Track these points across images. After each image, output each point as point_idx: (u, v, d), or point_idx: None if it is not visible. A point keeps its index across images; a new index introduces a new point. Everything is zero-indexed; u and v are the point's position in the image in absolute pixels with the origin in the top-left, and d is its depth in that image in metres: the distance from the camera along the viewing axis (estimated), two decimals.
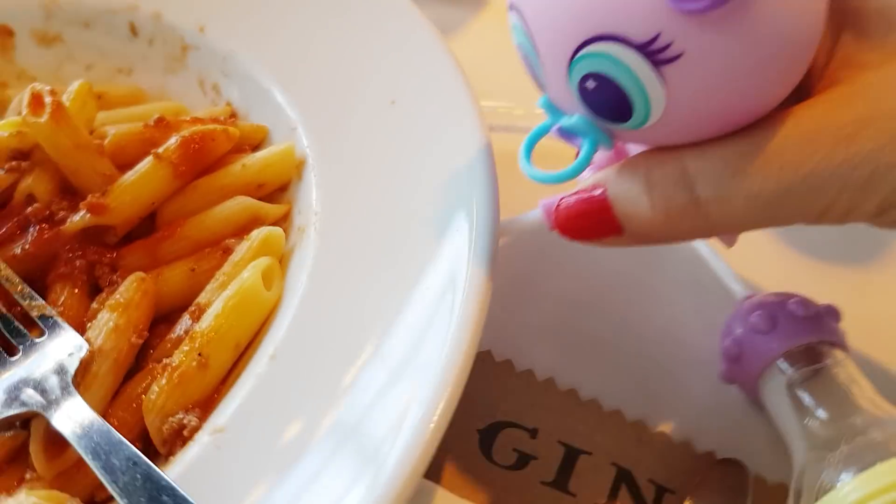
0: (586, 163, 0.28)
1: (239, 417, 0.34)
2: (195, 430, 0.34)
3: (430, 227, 0.38)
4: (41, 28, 0.54)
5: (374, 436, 0.31)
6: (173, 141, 0.44)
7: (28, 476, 0.35)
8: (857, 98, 0.25)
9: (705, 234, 0.29)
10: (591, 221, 0.29)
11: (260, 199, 0.44)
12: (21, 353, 0.37)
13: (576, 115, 0.28)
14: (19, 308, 0.39)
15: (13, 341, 0.37)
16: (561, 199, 0.30)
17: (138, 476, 0.30)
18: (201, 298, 0.40)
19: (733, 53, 0.24)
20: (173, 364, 0.36)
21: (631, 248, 0.31)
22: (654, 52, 0.24)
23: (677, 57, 0.24)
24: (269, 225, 0.43)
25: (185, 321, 0.39)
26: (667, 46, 0.23)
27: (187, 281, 0.41)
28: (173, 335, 0.39)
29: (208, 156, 0.44)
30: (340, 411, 0.32)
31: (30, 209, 0.42)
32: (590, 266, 0.47)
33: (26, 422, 0.36)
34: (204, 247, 0.42)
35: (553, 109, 0.30)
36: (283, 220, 0.44)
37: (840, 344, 0.36)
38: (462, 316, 0.33)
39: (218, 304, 0.38)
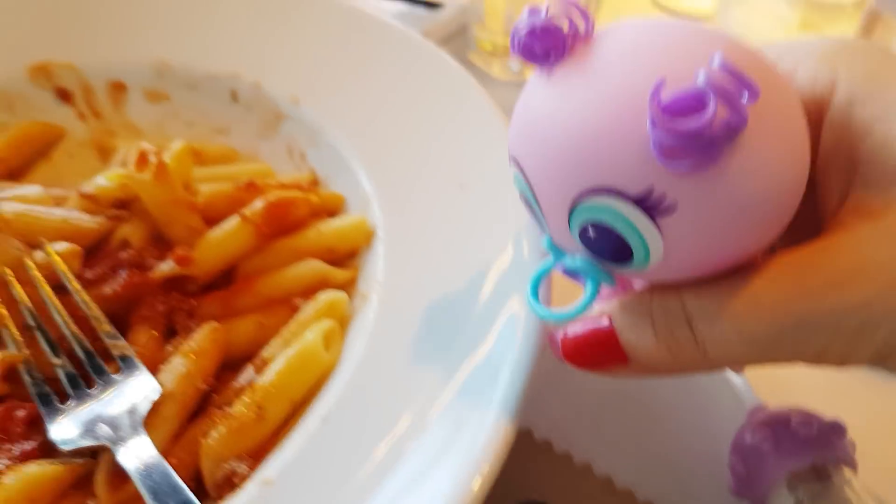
0: (590, 302, 0.29)
1: (287, 472, 0.36)
2: (245, 478, 0.37)
3: (484, 309, 0.40)
4: (152, 86, 0.59)
5: None
6: (259, 204, 0.47)
7: (89, 502, 0.38)
8: (852, 246, 0.25)
9: (706, 368, 0.29)
10: (597, 351, 0.30)
11: (330, 262, 0.47)
12: (99, 387, 0.40)
13: (578, 257, 0.29)
14: (101, 344, 0.43)
15: (94, 375, 0.41)
16: (567, 329, 0.31)
17: None
18: (265, 352, 0.43)
19: (725, 203, 0.25)
20: (233, 413, 0.39)
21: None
22: (649, 205, 0.25)
23: (671, 208, 0.25)
24: (336, 288, 0.46)
25: (248, 372, 0.42)
26: (661, 199, 0.24)
27: (255, 333, 0.44)
28: (236, 384, 0.42)
29: (289, 220, 0.48)
30: (383, 479, 0.34)
31: (123, 254, 0.46)
32: None
33: (95, 451, 0.39)
34: (274, 303, 0.46)
35: (556, 250, 0.31)
36: (349, 285, 0.47)
37: (847, 460, 0.36)
38: (505, 397, 0.35)
39: (280, 360, 0.41)
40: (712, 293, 0.27)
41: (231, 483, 0.37)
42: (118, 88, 0.59)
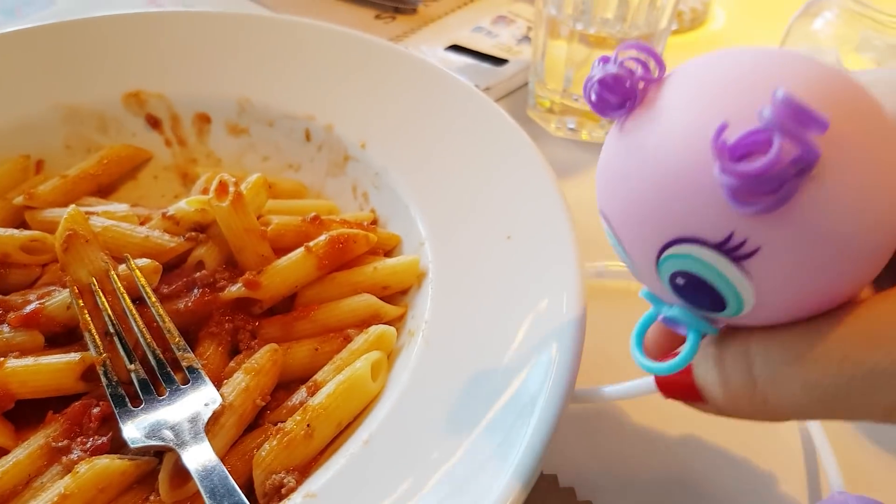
0: (693, 353, 0.29)
1: (330, 488, 0.39)
2: (291, 490, 0.40)
3: (520, 355, 0.43)
4: (234, 121, 0.64)
5: None
6: (323, 238, 0.52)
7: (152, 498, 0.42)
8: None
9: (766, 416, 0.28)
10: (680, 388, 0.31)
11: (382, 298, 0.51)
12: (168, 394, 0.44)
13: (675, 307, 0.29)
14: (171, 355, 0.47)
15: (164, 383, 0.45)
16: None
17: None
18: (318, 376, 0.47)
19: (810, 241, 0.24)
20: (285, 429, 0.43)
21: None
22: (731, 250, 0.24)
23: (755, 252, 0.24)
24: (386, 323, 0.50)
25: (301, 393, 0.46)
26: (742, 243, 0.24)
27: (309, 358, 0.48)
28: (290, 403, 0.46)
29: (348, 255, 0.52)
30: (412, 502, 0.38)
31: (198, 274, 0.51)
32: (672, 420, 0.50)
33: (159, 452, 0.43)
34: (329, 331, 0.50)
35: (655, 299, 0.31)
36: (398, 321, 0.51)
37: None
38: (531, 440, 0.38)
39: (331, 385, 0.45)
40: (781, 336, 0.26)
41: (279, 494, 0.40)
42: (203, 120, 0.64)
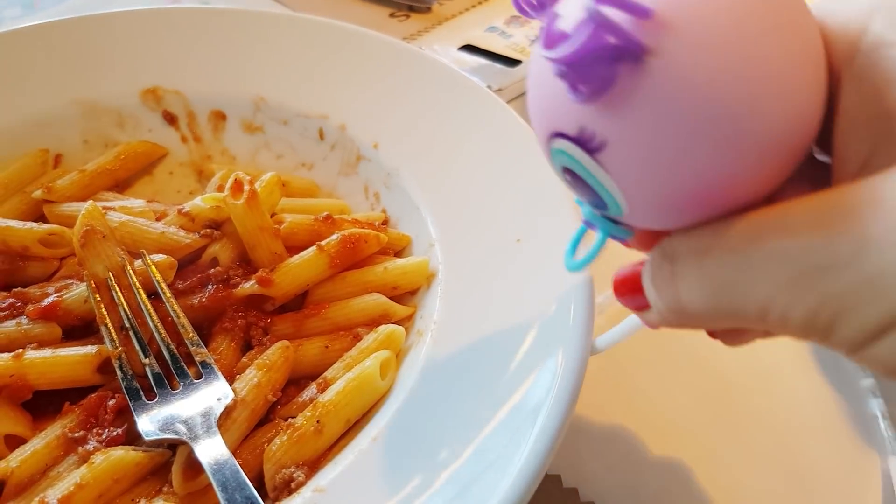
0: (596, 252, 0.30)
1: (338, 483, 0.40)
2: (301, 484, 0.42)
3: (527, 357, 0.44)
4: (249, 119, 0.65)
5: None
6: (334, 237, 0.53)
7: (165, 489, 0.43)
8: (816, 200, 0.24)
9: (682, 315, 0.28)
10: (629, 290, 0.31)
11: (392, 298, 0.52)
12: (181, 388, 0.45)
13: (584, 206, 0.30)
14: (185, 349, 0.48)
15: (177, 377, 0.46)
16: (619, 270, 0.32)
17: None
18: (328, 373, 0.48)
19: (652, 136, 0.24)
20: (295, 425, 0.44)
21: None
22: (585, 143, 0.25)
23: (604, 145, 0.25)
24: (395, 322, 0.51)
25: (311, 389, 0.47)
26: (592, 136, 0.25)
27: (320, 355, 0.49)
28: (300, 399, 0.47)
29: (360, 254, 0.53)
30: (420, 500, 0.38)
31: (213, 270, 0.52)
32: (678, 418, 0.51)
33: (172, 445, 0.44)
34: (339, 329, 0.51)
35: (578, 202, 0.31)
36: (407, 321, 0.52)
37: None
38: (537, 441, 0.39)
39: (341, 382, 0.46)
40: (693, 234, 0.26)
41: (289, 487, 0.41)
42: (219, 117, 0.65)
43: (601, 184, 0.26)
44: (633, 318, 0.36)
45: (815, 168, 0.28)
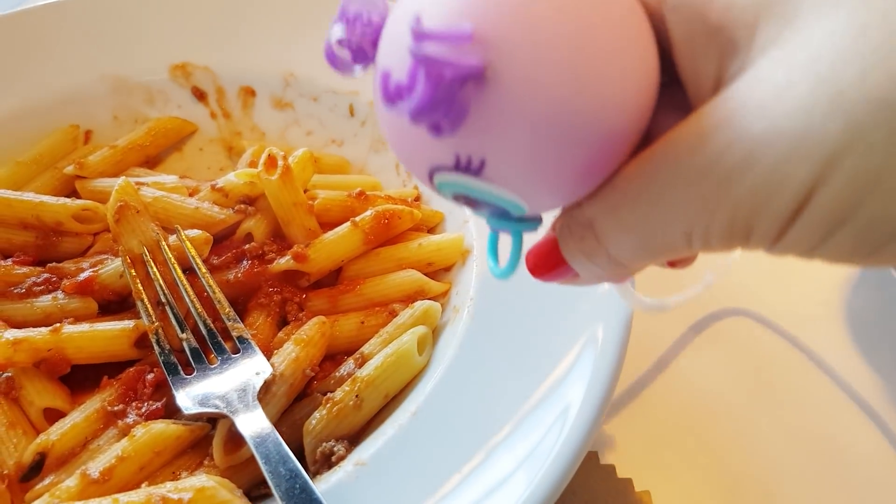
0: (518, 249, 0.30)
1: (379, 456, 0.40)
2: (341, 458, 0.42)
3: (567, 333, 0.44)
4: (278, 95, 0.65)
5: None
6: (368, 213, 0.52)
7: (206, 462, 0.43)
8: (693, 125, 0.24)
9: (621, 267, 0.29)
10: (550, 262, 0.31)
11: (427, 275, 0.52)
12: (219, 363, 0.45)
13: (488, 218, 0.30)
14: (222, 325, 0.48)
15: (214, 352, 0.46)
16: (532, 247, 0.32)
17: (297, 486, 0.37)
18: (365, 349, 0.48)
19: (520, 139, 0.24)
20: (335, 399, 0.44)
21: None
22: (467, 168, 0.25)
23: (483, 163, 0.25)
24: (431, 299, 0.51)
25: (349, 364, 0.47)
26: (469, 160, 0.25)
27: (356, 331, 0.49)
28: (337, 374, 0.47)
29: (394, 230, 0.53)
30: (462, 471, 0.38)
31: (247, 246, 0.52)
32: (714, 399, 0.51)
33: (211, 419, 0.44)
34: (375, 305, 0.51)
35: (480, 214, 0.31)
36: (442, 297, 0.52)
37: None
38: (578, 418, 0.39)
39: (379, 357, 0.46)
40: (600, 196, 0.27)
41: (329, 462, 0.41)
42: (248, 93, 0.65)
43: (495, 195, 0.26)
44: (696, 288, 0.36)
45: (678, 95, 0.28)
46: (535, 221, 0.29)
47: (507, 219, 0.29)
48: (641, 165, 0.25)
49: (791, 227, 0.23)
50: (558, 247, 0.31)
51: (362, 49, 0.27)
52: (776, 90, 0.23)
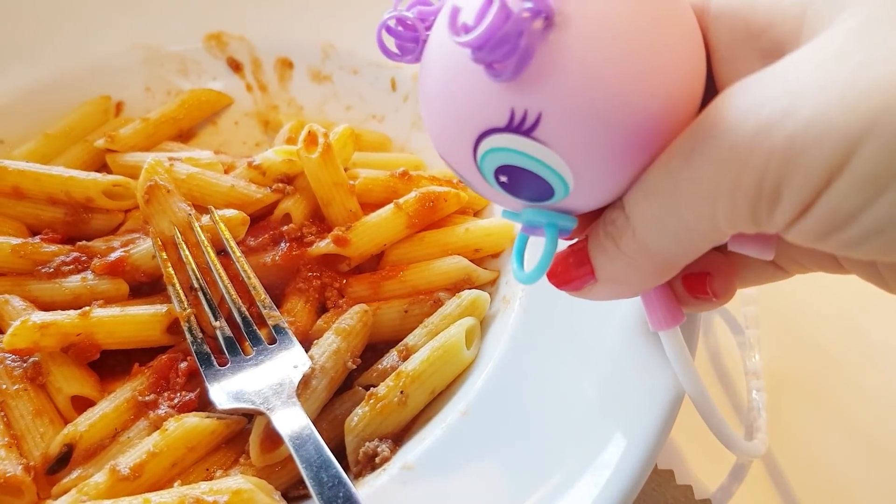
0: (553, 247, 0.29)
1: (427, 460, 0.38)
2: (386, 459, 0.39)
3: (626, 328, 0.40)
4: (317, 67, 0.62)
5: None
6: (412, 195, 0.49)
7: (242, 460, 0.40)
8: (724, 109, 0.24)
9: (658, 263, 0.28)
10: (573, 266, 0.30)
11: (474, 261, 0.49)
12: (255, 354, 0.43)
13: (525, 210, 0.29)
14: (256, 310, 0.45)
15: (250, 342, 0.43)
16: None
17: (341, 495, 0.34)
18: (409, 340, 0.45)
19: (579, 94, 0.24)
20: (378, 394, 0.41)
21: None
22: (520, 126, 0.25)
23: (539, 119, 0.24)
24: (478, 287, 0.47)
25: (392, 356, 0.44)
26: (524, 116, 0.24)
27: (399, 320, 0.46)
28: (380, 366, 0.44)
29: (439, 213, 0.50)
30: (517, 484, 0.35)
31: (285, 227, 0.49)
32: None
33: (248, 413, 0.42)
34: (419, 293, 0.48)
35: (511, 215, 0.30)
36: (490, 286, 0.48)
37: None
38: (644, 427, 0.35)
39: (425, 350, 0.43)
40: (635, 186, 0.27)
41: (373, 463, 0.39)
42: (285, 65, 0.62)
43: (544, 163, 0.25)
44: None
45: None
46: (571, 216, 0.28)
47: (544, 207, 0.28)
48: (674, 142, 0.25)
49: (826, 191, 0.21)
50: (584, 246, 0.30)
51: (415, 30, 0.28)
52: (823, 53, 0.22)
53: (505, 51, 0.23)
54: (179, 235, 0.47)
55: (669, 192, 0.25)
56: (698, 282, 0.33)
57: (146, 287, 0.48)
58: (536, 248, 0.29)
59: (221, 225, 0.47)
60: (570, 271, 0.31)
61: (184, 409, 0.42)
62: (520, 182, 0.27)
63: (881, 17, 0.22)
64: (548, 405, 0.39)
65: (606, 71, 0.24)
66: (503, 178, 0.27)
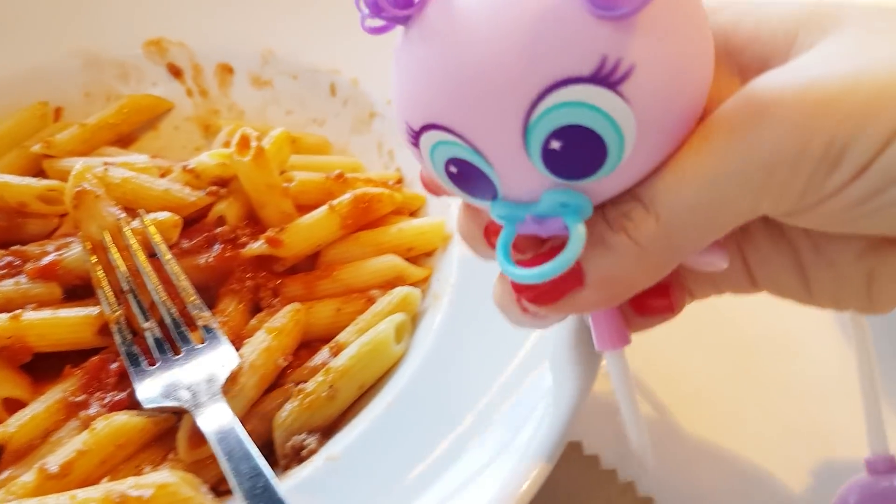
0: (582, 239, 0.25)
1: (352, 451, 0.39)
2: (313, 451, 0.40)
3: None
4: (257, 72, 0.62)
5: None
6: (347, 197, 0.50)
7: (170, 456, 0.41)
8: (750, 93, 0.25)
9: (663, 253, 0.26)
10: (557, 284, 0.27)
11: (408, 260, 0.50)
12: (183, 354, 0.43)
13: (545, 193, 0.25)
14: (188, 313, 0.46)
15: (179, 343, 0.44)
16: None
17: (259, 485, 0.35)
18: (341, 337, 0.45)
19: (674, 50, 0.23)
20: (307, 390, 0.42)
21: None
22: (607, 77, 0.22)
23: (630, 71, 0.22)
24: (411, 285, 0.48)
25: (324, 353, 0.45)
26: (616, 66, 0.22)
27: (332, 318, 0.47)
28: (311, 364, 0.44)
29: (373, 214, 0.51)
30: (439, 469, 0.37)
31: (219, 230, 0.49)
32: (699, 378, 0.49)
33: (178, 411, 0.42)
34: (352, 292, 0.48)
35: (513, 208, 0.26)
36: (422, 283, 0.49)
37: None
38: (559, 409, 0.37)
39: (354, 346, 0.43)
40: (660, 177, 0.26)
41: (300, 456, 0.39)
42: (226, 70, 0.62)
43: (616, 123, 0.23)
44: None
45: None
46: (590, 203, 0.25)
47: (575, 187, 0.25)
48: (707, 124, 0.25)
49: (884, 151, 0.23)
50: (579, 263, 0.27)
51: None
52: (851, 44, 0.24)
53: None
54: (109, 239, 0.47)
55: (711, 170, 0.24)
56: (659, 293, 0.31)
57: (80, 290, 0.48)
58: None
59: (152, 227, 0.47)
60: (555, 283, 0.27)
61: (115, 408, 0.42)
62: (576, 147, 0.23)
63: (884, 28, 0.24)
64: (468, 394, 0.40)
65: (692, 33, 0.24)
66: (555, 145, 0.23)
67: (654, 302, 0.31)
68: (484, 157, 0.24)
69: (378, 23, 0.25)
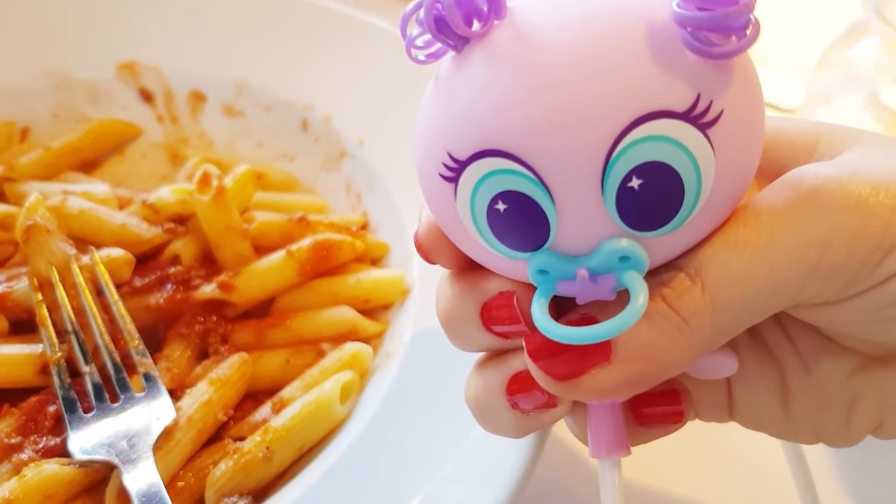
0: (646, 295, 0.23)
1: None
2: None
3: None
4: (230, 102, 0.61)
5: None
6: (306, 242, 0.49)
7: None
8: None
9: (706, 328, 0.24)
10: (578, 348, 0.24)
11: (364, 312, 0.49)
12: (121, 403, 0.42)
13: (603, 243, 0.23)
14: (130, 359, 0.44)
15: (118, 390, 0.43)
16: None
17: None
18: (285, 392, 0.44)
19: (754, 106, 0.23)
20: (243, 450, 0.41)
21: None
22: (699, 117, 0.21)
23: (719, 117, 0.22)
24: (363, 340, 0.47)
25: (266, 409, 0.44)
26: (708, 108, 0.21)
27: (280, 370, 0.46)
28: (252, 419, 0.43)
29: (332, 261, 0.50)
30: None
31: (173, 270, 0.48)
32: None
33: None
34: (303, 342, 0.47)
35: (561, 260, 0.23)
36: (376, 338, 0.48)
37: None
38: (506, 481, 0.36)
39: (297, 405, 0.42)
40: (698, 248, 0.24)
41: None
42: (198, 98, 0.61)
43: (697, 170, 0.22)
44: None
45: None
46: (648, 262, 0.24)
47: (636, 237, 0.23)
48: (759, 196, 0.25)
49: None
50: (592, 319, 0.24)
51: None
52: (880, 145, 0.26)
53: (741, 23, 0.21)
54: (56, 276, 0.46)
55: (764, 242, 0.23)
56: (668, 399, 0.29)
57: (28, 323, 0.47)
58: None
59: (100, 266, 0.46)
60: (579, 356, 0.24)
61: (48, 454, 0.41)
62: (655, 188, 0.22)
63: None
64: (414, 466, 0.39)
65: (760, 94, 0.24)
66: (634, 182, 0.21)
67: (662, 409, 0.28)
68: (548, 192, 0.22)
69: (433, 48, 0.24)
